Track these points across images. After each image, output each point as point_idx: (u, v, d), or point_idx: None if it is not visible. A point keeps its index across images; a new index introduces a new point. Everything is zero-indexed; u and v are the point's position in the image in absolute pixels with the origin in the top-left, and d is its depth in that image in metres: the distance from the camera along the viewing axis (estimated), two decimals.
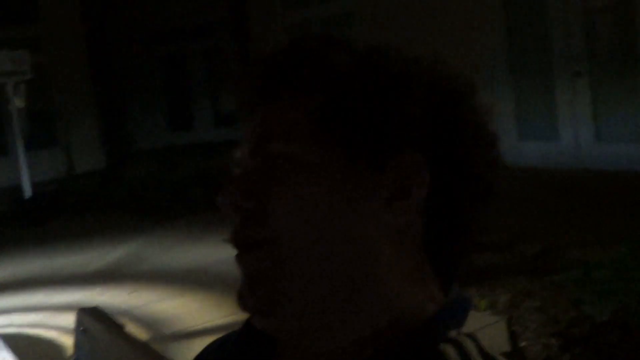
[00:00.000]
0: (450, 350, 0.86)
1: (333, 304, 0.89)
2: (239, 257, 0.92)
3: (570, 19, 9.95)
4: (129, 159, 15.98)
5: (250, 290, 0.91)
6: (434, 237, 0.94)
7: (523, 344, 4.66)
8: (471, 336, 0.90)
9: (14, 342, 5.79)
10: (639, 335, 4.36)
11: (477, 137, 0.95)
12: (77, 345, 2.69)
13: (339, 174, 0.90)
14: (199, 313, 6.15)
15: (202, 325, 5.80)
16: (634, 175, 9.03)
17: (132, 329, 5.43)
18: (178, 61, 19.04)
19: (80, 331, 2.66)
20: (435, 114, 0.92)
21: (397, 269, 0.91)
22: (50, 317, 6.55)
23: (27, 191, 11.60)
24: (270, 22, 15.37)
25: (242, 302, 0.91)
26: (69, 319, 5.83)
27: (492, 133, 0.97)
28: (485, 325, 4.78)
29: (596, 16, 10.01)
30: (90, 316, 2.62)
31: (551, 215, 7.57)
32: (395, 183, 0.91)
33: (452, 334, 0.89)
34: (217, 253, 8.08)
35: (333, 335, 0.90)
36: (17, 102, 11.61)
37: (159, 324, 6.00)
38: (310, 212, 0.89)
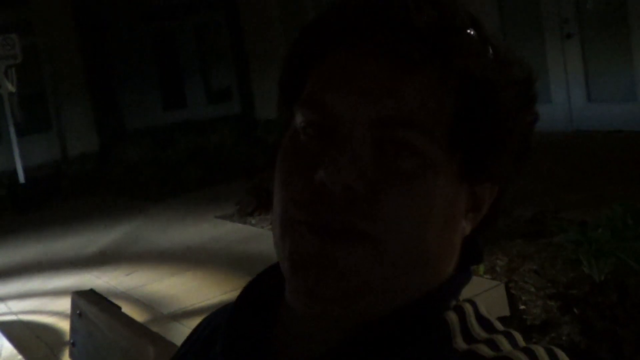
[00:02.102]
0: (452, 316, 0.88)
1: (403, 291, 0.88)
2: (337, 241, 0.83)
3: None
4: (122, 139, 15.94)
5: (339, 280, 0.83)
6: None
7: (522, 306, 4.67)
8: (470, 301, 0.92)
9: (11, 329, 5.80)
10: (636, 294, 4.37)
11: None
12: (74, 329, 2.68)
13: (452, 180, 0.86)
14: (197, 291, 6.15)
15: (201, 303, 5.80)
16: (626, 134, 9.07)
17: (131, 310, 5.44)
18: (169, 39, 18.96)
19: (77, 314, 2.64)
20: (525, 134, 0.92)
21: (450, 261, 0.93)
22: (48, 302, 6.55)
23: (21, 176, 11.57)
24: None
25: (320, 287, 0.84)
26: (66, 304, 5.83)
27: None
28: (484, 290, 4.79)
29: None
30: (86, 299, 2.61)
31: (546, 178, 7.57)
32: (476, 197, 0.91)
33: (453, 302, 0.91)
34: (213, 231, 8.12)
35: (374, 314, 0.88)
36: (9, 87, 11.54)
37: (158, 303, 6.00)
38: (424, 214, 0.84)
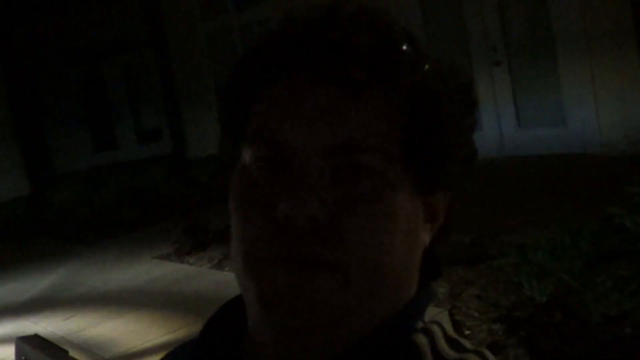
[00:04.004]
0: (421, 338, 0.86)
1: (376, 318, 0.86)
2: (301, 272, 0.81)
3: (486, 9, 10.13)
4: (53, 182, 15.74)
5: (309, 309, 0.81)
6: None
7: (467, 332, 4.69)
8: (437, 322, 0.90)
9: None
10: (580, 312, 4.43)
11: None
12: None
13: (409, 196, 0.86)
14: (138, 333, 6.07)
15: (142, 345, 5.72)
16: (555, 158, 9.24)
17: (71, 355, 5.33)
18: (97, 79, 18.84)
19: None
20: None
21: (415, 277, 0.92)
22: None
23: None
24: (189, 32, 15.29)
25: (290, 317, 0.82)
26: (5, 352, 5.71)
27: None
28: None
29: (511, 5, 10.18)
30: (31, 344, 2.54)
31: (481, 204, 7.65)
32: (431, 207, 0.91)
33: (419, 324, 0.90)
34: (150, 272, 8.03)
35: (344, 341, 0.86)
36: None
37: (98, 347, 5.90)
38: (387, 234, 0.83)
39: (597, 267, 5.00)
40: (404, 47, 0.86)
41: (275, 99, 0.85)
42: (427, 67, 0.87)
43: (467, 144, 0.92)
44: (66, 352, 2.45)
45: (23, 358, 2.55)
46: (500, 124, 10.19)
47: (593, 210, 5.85)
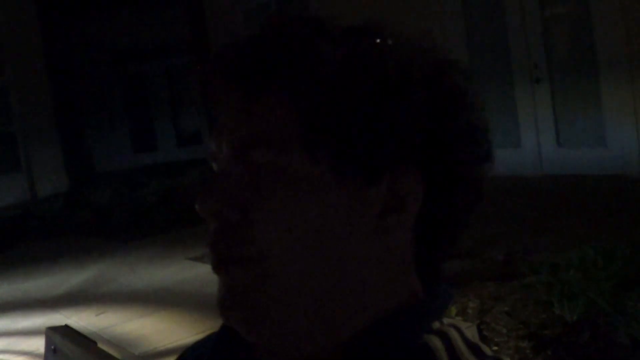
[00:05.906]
0: (435, 341, 0.85)
1: (319, 313, 0.85)
2: (219, 270, 0.86)
3: (529, 26, 10.04)
4: (92, 181, 15.87)
5: (235, 303, 0.86)
6: (424, 243, 0.91)
7: (495, 348, 4.67)
8: (455, 326, 0.88)
9: None
10: (608, 334, 4.39)
11: (473, 141, 0.91)
12: None
13: (329, 188, 0.84)
14: (168, 332, 6.10)
15: (171, 344, 5.75)
16: (594, 178, 9.12)
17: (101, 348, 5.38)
18: (140, 81, 18.98)
19: (51, 350, 2.61)
20: (434, 119, 0.87)
21: (383, 275, 0.88)
22: (17, 342, 6.48)
23: None
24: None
25: (226, 314, 0.87)
26: (36, 343, 5.79)
27: (486, 132, 0.93)
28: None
29: (554, 23, 10.11)
30: (61, 334, 2.58)
31: (516, 221, 7.61)
32: (389, 197, 0.86)
33: (436, 325, 0.87)
34: (183, 272, 8.08)
35: (317, 339, 0.86)
36: None
37: (128, 344, 5.94)
38: (300, 230, 0.83)
39: (628, 291, 4.96)
40: (300, 46, 0.86)
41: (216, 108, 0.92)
42: (327, 63, 0.85)
43: (400, 127, 0.85)
44: (95, 343, 2.48)
45: (52, 347, 2.59)
46: (539, 142, 10.10)
47: (628, 233, 5.80)
